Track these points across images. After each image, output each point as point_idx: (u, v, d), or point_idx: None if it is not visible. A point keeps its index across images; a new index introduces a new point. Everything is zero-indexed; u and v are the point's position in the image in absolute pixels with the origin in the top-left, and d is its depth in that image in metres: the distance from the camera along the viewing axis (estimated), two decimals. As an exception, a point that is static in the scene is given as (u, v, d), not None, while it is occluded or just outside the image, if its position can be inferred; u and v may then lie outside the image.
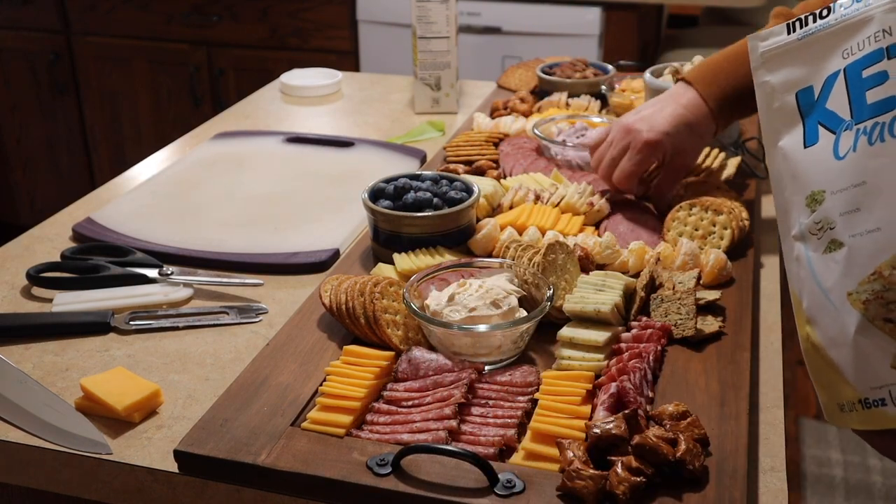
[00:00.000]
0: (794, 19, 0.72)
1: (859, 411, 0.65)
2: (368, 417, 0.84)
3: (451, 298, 0.94)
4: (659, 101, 1.22)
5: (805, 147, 0.69)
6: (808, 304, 0.69)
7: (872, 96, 0.65)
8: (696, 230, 1.15)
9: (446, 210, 1.11)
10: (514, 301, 0.95)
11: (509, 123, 1.54)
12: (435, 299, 0.96)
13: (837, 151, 0.66)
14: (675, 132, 1.18)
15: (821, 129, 0.68)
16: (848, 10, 0.69)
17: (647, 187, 1.27)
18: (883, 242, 0.62)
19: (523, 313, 0.95)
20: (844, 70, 0.68)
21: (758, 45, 0.74)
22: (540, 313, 0.92)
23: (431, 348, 0.94)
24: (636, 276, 1.07)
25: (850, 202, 0.64)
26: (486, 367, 0.91)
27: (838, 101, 0.67)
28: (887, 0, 0.66)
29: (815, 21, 0.70)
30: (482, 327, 0.90)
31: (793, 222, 0.70)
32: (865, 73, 0.66)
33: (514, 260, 1.03)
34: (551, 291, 0.94)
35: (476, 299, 0.93)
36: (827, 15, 0.70)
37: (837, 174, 0.66)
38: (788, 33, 0.72)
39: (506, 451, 0.80)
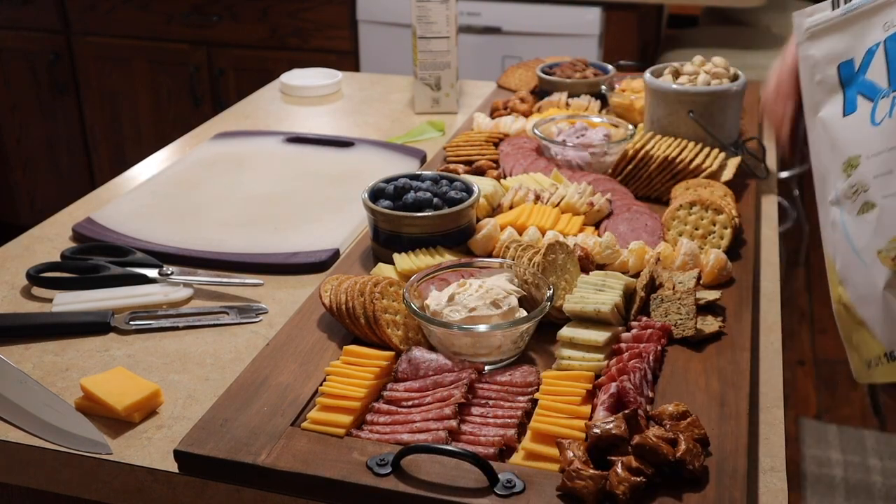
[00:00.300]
0: None
1: (884, 364, 0.68)
2: (368, 417, 0.84)
3: (451, 298, 0.94)
4: None
5: (843, 116, 0.71)
6: (841, 266, 0.71)
7: None
8: (697, 229, 1.15)
9: (446, 210, 1.11)
10: (514, 301, 0.95)
11: (509, 123, 1.54)
12: (435, 299, 0.96)
13: (874, 118, 0.68)
14: None
15: (859, 98, 0.70)
16: None
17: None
18: None
19: (523, 313, 0.95)
20: (885, 42, 0.69)
21: (803, 21, 0.76)
22: (540, 313, 0.92)
23: (431, 348, 0.94)
24: (636, 276, 1.07)
25: (883, 165, 0.66)
26: (486, 367, 0.91)
27: (877, 71, 0.69)
28: None
29: None
30: (482, 327, 0.90)
31: (829, 189, 0.72)
32: None
33: (514, 260, 1.03)
34: (551, 291, 0.94)
35: (476, 299, 0.93)
36: None
37: (873, 139, 0.68)
38: (833, 9, 0.74)
39: (506, 451, 0.80)
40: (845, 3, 0.74)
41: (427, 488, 0.75)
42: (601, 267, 1.09)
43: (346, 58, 2.84)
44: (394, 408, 0.85)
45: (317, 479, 0.77)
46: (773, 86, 1.10)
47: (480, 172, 1.37)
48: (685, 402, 0.84)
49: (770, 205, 1.35)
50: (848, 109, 0.71)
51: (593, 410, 0.83)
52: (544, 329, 0.96)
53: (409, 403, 0.85)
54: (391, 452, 0.78)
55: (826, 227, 0.73)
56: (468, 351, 0.91)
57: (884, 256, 0.66)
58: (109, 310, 1.05)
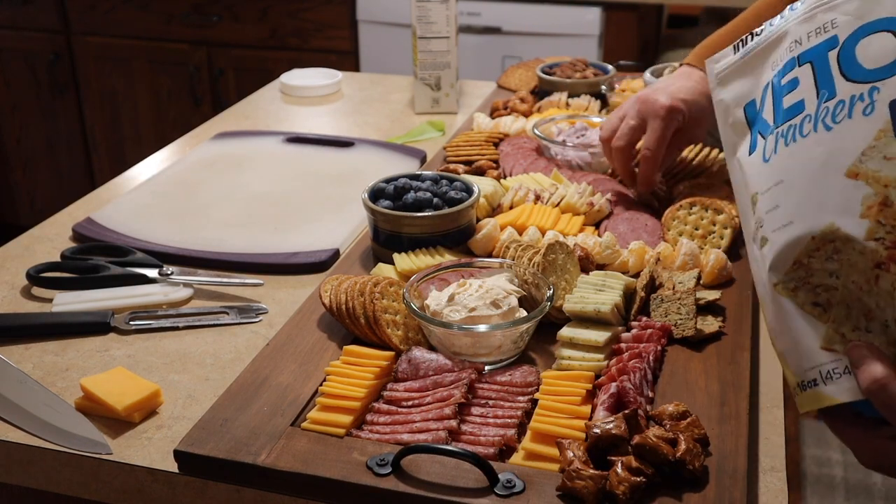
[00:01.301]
0: (738, 39, 0.78)
1: (799, 395, 0.69)
2: (368, 417, 0.84)
3: (451, 298, 0.94)
4: (669, 79, 1.24)
5: (749, 155, 0.74)
6: (760, 299, 0.73)
7: (787, 101, 0.70)
8: (696, 229, 1.15)
9: (446, 210, 1.11)
10: (514, 301, 0.95)
11: (509, 123, 1.54)
12: (435, 299, 0.96)
13: (765, 155, 0.71)
14: (693, 100, 1.20)
15: (758, 136, 0.73)
16: (774, 26, 0.74)
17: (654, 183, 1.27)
18: (794, 234, 0.67)
19: (523, 313, 0.95)
20: (771, 80, 0.73)
21: (713, 68, 0.80)
22: (540, 313, 0.92)
23: (431, 348, 0.94)
24: (636, 276, 1.07)
25: (771, 201, 0.69)
26: (486, 367, 0.91)
27: (768, 110, 0.73)
28: (799, 13, 0.71)
29: (752, 39, 0.76)
30: (482, 327, 0.90)
31: (745, 225, 0.75)
32: (783, 81, 0.71)
33: (514, 260, 1.03)
34: (551, 291, 0.94)
35: (476, 299, 0.93)
36: (761, 32, 0.75)
37: (765, 176, 0.71)
38: (734, 52, 0.78)
39: (506, 451, 0.80)
40: (743, 46, 0.77)
41: (427, 488, 0.75)
42: (601, 267, 1.09)
43: (346, 58, 2.84)
44: (394, 408, 0.85)
45: (317, 479, 0.77)
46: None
47: (480, 172, 1.37)
48: (685, 402, 0.84)
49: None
50: (752, 149, 0.74)
51: (593, 410, 0.83)
52: (544, 329, 0.96)
53: (409, 403, 0.85)
54: (391, 452, 0.78)
55: (752, 262, 0.75)
56: (468, 351, 0.91)
57: (781, 289, 0.68)
58: (109, 310, 1.05)
